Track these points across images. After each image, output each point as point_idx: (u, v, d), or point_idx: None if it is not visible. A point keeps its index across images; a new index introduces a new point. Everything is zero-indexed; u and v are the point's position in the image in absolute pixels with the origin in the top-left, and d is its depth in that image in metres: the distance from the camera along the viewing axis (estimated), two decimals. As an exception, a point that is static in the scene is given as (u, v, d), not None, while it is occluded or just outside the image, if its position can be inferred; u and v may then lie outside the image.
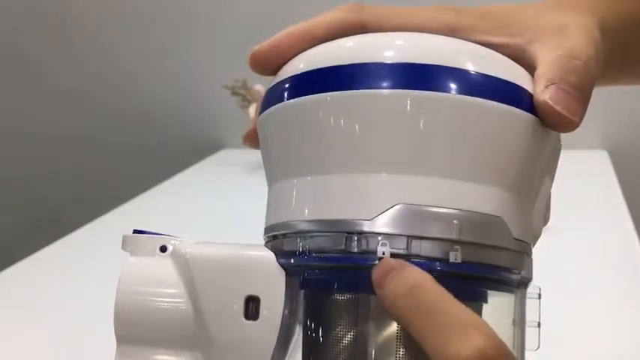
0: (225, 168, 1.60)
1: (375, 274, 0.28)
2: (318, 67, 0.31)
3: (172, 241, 0.33)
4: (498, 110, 0.30)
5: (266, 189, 0.34)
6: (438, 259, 0.29)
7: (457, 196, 0.29)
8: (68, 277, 1.00)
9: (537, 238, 0.34)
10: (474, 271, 0.29)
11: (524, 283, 0.33)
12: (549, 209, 0.35)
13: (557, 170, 0.36)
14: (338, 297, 0.30)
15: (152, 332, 0.32)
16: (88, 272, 1.01)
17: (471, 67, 0.30)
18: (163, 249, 0.33)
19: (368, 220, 0.29)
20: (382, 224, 0.29)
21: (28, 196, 2.02)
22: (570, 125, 0.31)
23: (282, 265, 0.31)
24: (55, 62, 1.86)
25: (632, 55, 0.40)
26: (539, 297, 0.33)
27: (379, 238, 0.28)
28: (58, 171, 1.96)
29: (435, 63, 0.30)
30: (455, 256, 0.29)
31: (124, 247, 0.34)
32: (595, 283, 0.87)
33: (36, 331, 0.84)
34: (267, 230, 0.33)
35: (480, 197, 0.29)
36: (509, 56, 0.33)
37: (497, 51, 0.33)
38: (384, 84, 0.29)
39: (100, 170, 1.91)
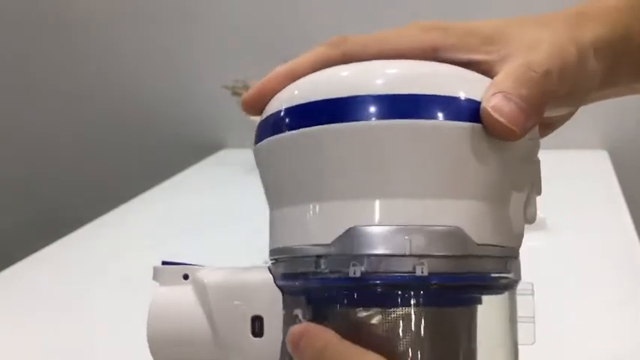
0: (225, 168, 1.60)
1: (288, 342, 0.32)
2: (273, 111, 0.34)
3: (194, 270, 0.37)
4: (433, 127, 0.31)
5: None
6: (408, 273, 0.30)
7: (409, 213, 0.31)
8: (68, 277, 1.00)
9: (520, 238, 0.34)
10: (444, 282, 0.31)
11: (511, 284, 0.34)
12: (533, 207, 0.35)
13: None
14: (329, 313, 0.33)
15: (179, 350, 0.37)
16: (88, 272, 1.02)
17: (408, 91, 0.31)
18: (186, 277, 0.38)
19: (327, 244, 0.31)
20: (346, 246, 0.31)
21: (28, 196, 2.02)
22: (510, 135, 0.30)
23: (278, 286, 0.34)
24: (55, 62, 1.86)
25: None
26: (532, 293, 0.34)
27: (346, 259, 0.31)
28: (58, 171, 1.96)
29: (367, 93, 0.31)
30: (421, 270, 0.30)
31: (154, 277, 0.39)
32: (595, 282, 0.87)
33: (36, 331, 0.84)
34: (269, 254, 0.36)
35: (434, 211, 0.31)
36: (486, 72, 0.33)
37: (478, 67, 0.33)
38: (334, 118, 0.31)
39: (100, 170, 1.92)
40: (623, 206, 1.13)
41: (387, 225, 0.30)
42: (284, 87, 0.35)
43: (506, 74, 0.32)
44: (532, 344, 0.34)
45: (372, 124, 0.31)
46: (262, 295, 0.34)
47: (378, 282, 0.31)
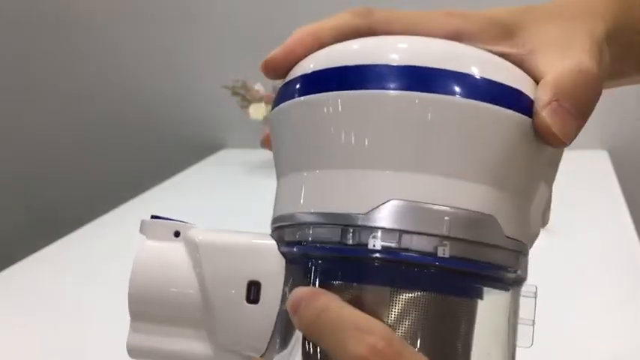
0: (225, 168, 1.60)
1: (288, 304, 0.31)
2: (327, 67, 0.33)
3: (185, 227, 0.36)
4: (495, 113, 0.31)
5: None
6: (428, 254, 0.30)
7: (449, 193, 0.30)
8: (68, 277, 1.00)
9: (535, 238, 0.35)
10: (463, 267, 0.30)
11: (519, 281, 0.33)
12: (549, 211, 0.36)
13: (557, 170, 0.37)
14: (336, 286, 0.32)
15: (162, 310, 0.35)
16: (88, 272, 1.02)
17: (470, 71, 0.31)
18: (177, 234, 0.36)
19: (362, 214, 0.30)
20: (376, 219, 0.30)
21: (28, 196, 2.02)
22: (559, 144, 0.31)
23: (282, 253, 0.33)
24: (55, 62, 1.86)
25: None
26: (535, 296, 0.34)
27: (372, 232, 0.30)
28: (58, 171, 1.96)
29: (437, 66, 0.31)
30: (443, 251, 0.30)
31: (141, 230, 0.37)
32: (594, 282, 0.87)
33: (35, 331, 0.84)
34: (273, 221, 0.35)
35: (473, 195, 0.30)
36: (514, 63, 0.33)
37: (503, 58, 0.33)
38: (388, 85, 0.31)
39: (100, 170, 1.92)
40: (623, 206, 1.14)
41: (424, 203, 0.30)
42: (309, 52, 0.35)
43: (559, 75, 0.32)
44: (529, 347, 0.34)
45: (427, 96, 0.30)
46: (263, 260, 0.33)
47: (398, 258, 0.30)
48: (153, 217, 0.37)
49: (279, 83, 0.37)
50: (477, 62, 0.32)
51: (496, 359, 0.34)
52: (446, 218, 0.30)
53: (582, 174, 1.34)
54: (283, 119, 0.35)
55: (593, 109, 0.32)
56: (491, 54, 0.33)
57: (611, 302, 0.81)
